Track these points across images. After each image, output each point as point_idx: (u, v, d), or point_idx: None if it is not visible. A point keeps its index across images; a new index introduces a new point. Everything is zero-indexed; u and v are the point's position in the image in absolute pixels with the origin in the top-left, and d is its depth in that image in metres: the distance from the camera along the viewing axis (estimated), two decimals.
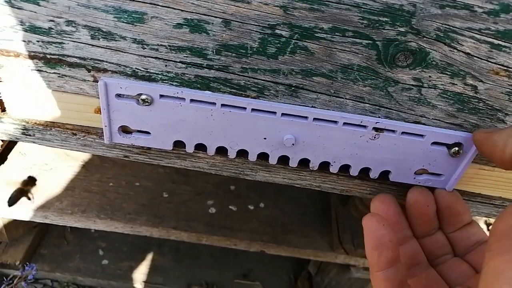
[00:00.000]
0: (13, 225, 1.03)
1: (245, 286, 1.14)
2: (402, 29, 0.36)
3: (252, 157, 0.47)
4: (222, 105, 0.42)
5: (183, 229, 0.81)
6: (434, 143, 0.45)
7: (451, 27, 0.36)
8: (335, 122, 0.43)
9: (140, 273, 1.13)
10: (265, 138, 0.45)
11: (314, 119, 0.43)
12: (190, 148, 0.46)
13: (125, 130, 0.45)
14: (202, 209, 0.86)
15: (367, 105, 0.43)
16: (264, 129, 0.44)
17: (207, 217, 0.85)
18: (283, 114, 0.42)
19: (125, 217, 0.81)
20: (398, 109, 0.43)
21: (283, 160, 0.48)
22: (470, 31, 0.36)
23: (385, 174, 0.49)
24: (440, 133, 0.44)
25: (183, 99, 0.41)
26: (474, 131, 0.43)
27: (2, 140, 0.83)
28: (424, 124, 0.44)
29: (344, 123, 0.43)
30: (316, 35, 0.37)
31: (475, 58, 0.38)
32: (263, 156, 0.48)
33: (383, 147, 0.45)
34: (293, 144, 0.45)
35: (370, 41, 0.38)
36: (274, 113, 0.42)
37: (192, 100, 0.41)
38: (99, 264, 1.12)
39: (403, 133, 0.44)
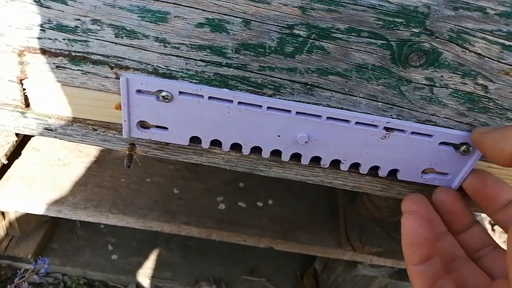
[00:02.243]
0: (25, 219, 1.04)
1: (252, 282, 1.16)
2: (416, 30, 0.38)
3: (266, 154, 0.49)
4: (239, 102, 0.43)
5: (194, 225, 0.82)
6: (442, 143, 0.46)
7: (463, 28, 0.37)
8: (348, 121, 0.44)
9: (149, 268, 1.15)
10: (278, 136, 0.46)
11: (328, 118, 0.44)
12: (205, 144, 0.48)
13: (143, 125, 0.47)
14: (212, 205, 0.87)
15: (380, 103, 0.44)
16: (279, 126, 0.45)
17: (217, 213, 0.86)
18: (297, 113, 0.44)
19: (137, 212, 0.82)
20: (410, 107, 0.44)
21: (296, 157, 0.50)
22: (482, 32, 0.37)
23: (393, 172, 0.50)
24: (448, 133, 0.45)
25: (202, 96, 0.42)
26: (472, 131, 0.44)
27: (17, 135, 0.85)
28: (435, 122, 0.45)
29: (356, 122, 0.45)
30: (333, 35, 0.39)
31: (486, 58, 0.39)
32: (276, 153, 0.49)
33: (392, 146, 0.47)
34: (306, 142, 0.46)
35: (384, 41, 0.39)
36: (289, 111, 0.44)
37: (210, 97, 0.43)
38: (108, 259, 1.14)
39: (412, 133, 0.45)
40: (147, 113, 0.45)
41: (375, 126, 0.45)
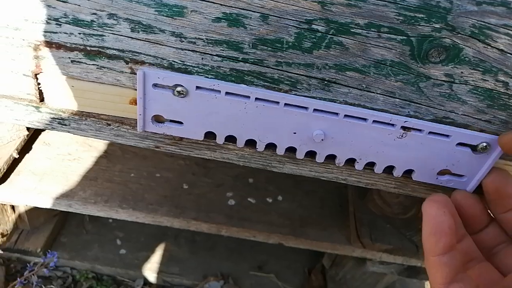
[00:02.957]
0: (35, 213, 1.05)
1: (260, 278, 1.16)
2: (437, 26, 0.37)
3: (280, 151, 0.48)
4: (256, 98, 0.42)
5: (203, 220, 0.82)
6: (460, 143, 0.45)
7: (486, 24, 0.36)
8: (365, 119, 0.44)
9: (157, 263, 1.15)
10: (294, 133, 0.46)
11: (345, 115, 0.44)
12: (220, 140, 0.48)
13: (158, 119, 0.47)
14: (221, 201, 0.87)
15: (397, 100, 0.43)
16: (295, 123, 0.45)
17: (226, 208, 0.86)
18: (315, 110, 0.43)
19: (146, 207, 0.82)
20: (428, 104, 0.43)
21: (310, 155, 0.49)
22: (505, 28, 0.37)
23: (408, 173, 0.50)
24: (466, 134, 0.44)
25: (219, 91, 0.42)
26: (500, 134, 0.44)
27: (28, 130, 0.85)
28: (452, 119, 0.44)
29: (374, 121, 0.44)
30: (352, 30, 0.38)
31: (508, 55, 0.38)
32: (290, 150, 0.49)
33: (409, 146, 0.46)
34: (322, 140, 0.45)
35: (404, 37, 0.38)
36: (306, 108, 0.43)
37: (227, 93, 0.42)
38: (117, 254, 1.14)
39: (430, 132, 0.45)
40: (162, 107, 0.45)
41: (393, 125, 0.44)
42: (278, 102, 0.43)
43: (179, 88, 0.42)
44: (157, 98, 0.43)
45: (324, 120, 0.44)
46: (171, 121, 0.46)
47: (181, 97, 0.43)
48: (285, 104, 0.43)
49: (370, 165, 0.49)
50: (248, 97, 0.42)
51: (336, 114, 0.43)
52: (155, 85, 0.42)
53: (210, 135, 0.48)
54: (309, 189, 0.94)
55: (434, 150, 0.46)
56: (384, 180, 0.52)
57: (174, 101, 0.43)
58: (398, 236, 0.84)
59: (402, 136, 0.45)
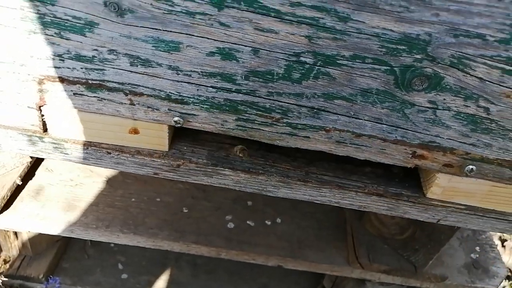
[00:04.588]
0: (37, 239, 1.06)
1: None
2: (418, 56, 0.39)
3: None
4: None
5: (203, 244, 0.83)
6: None
7: (464, 54, 0.39)
8: None
9: (158, 287, 1.16)
10: None
11: None
12: None
13: None
14: (221, 224, 0.88)
15: (385, 125, 0.45)
16: None
17: (226, 231, 0.87)
18: None
19: (147, 231, 0.84)
20: (414, 129, 0.45)
21: (304, 178, 0.51)
22: (482, 57, 0.39)
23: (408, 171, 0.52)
24: None
25: None
26: None
27: (31, 157, 0.87)
28: (439, 143, 0.46)
29: None
30: (338, 61, 0.40)
31: (487, 82, 0.41)
32: (284, 175, 0.50)
33: None
34: None
35: (388, 67, 0.40)
36: None
37: None
38: (119, 278, 1.14)
39: None
40: None
41: None
42: None
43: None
44: None
45: None
46: None
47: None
48: None
49: (363, 188, 0.51)
50: None
51: None
52: None
53: (213, 160, 0.50)
54: (306, 211, 0.95)
55: None
56: (375, 202, 0.54)
57: None
58: (395, 256, 0.85)
59: None
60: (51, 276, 1.04)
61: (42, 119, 0.47)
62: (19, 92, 0.45)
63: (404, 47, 0.39)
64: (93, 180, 0.92)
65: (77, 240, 1.19)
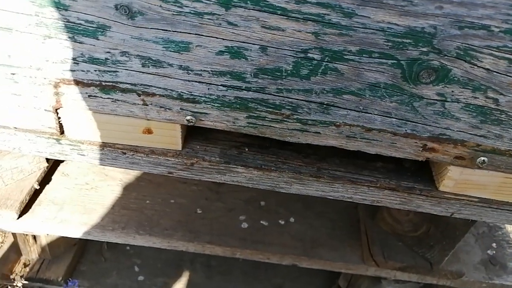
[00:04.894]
0: (56, 243, 1.08)
1: None
2: (424, 49, 0.40)
3: None
4: None
5: (217, 244, 0.84)
6: None
7: (470, 46, 0.39)
8: None
9: None
10: None
11: None
12: None
13: None
14: (235, 224, 0.89)
15: (394, 119, 0.46)
16: None
17: (240, 232, 0.88)
18: None
19: (162, 233, 0.85)
20: (423, 122, 0.46)
21: (316, 174, 0.52)
22: (488, 48, 0.39)
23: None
24: None
25: None
26: None
27: (47, 162, 0.89)
28: (449, 136, 0.46)
29: None
30: (345, 57, 0.41)
31: (494, 73, 0.41)
32: (297, 171, 0.51)
33: None
34: None
35: (395, 61, 0.41)
36: None
37: None
38: (135, 280, 1.16)
39: None
40: None
41: None
42: None
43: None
44: None
45: None
46: None
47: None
48: None
49: (375, 182, 0.51)
50: None
51: None
52: None
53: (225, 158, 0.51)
54: (319, 211, 0.96)
55: None
56: (388, 197, 0.54)
57: None
58: (410, 253, 0.85)
59: None
60: (70, 279, 1.06)
61: (59, 122, 0.49)
62: (36, 96, 0.46)
63: (409, 41, 0.39)
64: (108, 183, 0.93)
65: (93, 244, 1.21)
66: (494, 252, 0.94)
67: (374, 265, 0.84)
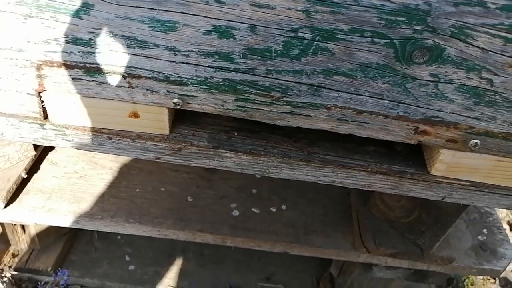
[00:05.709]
0: (45, 232, 1.07)
1: None
2: (418, 28, 0.39)
3: None
4: None
5: (209, 232, 0.83)
6: None
7: (465, 24, 0.38)
8: None
9: (166, 278, 1.16)
10: None
11: None
12: None
13: None
14: (226, 212, 0.88)
15: (386, 101, 0.45)
16: None
17: (231, 219, 0.87)
18: None
19: (152, 221, 0.84)
20: (416, 104, 0.45)
21: (306, 158, 0.51)
22: (484, 26, 0.38)
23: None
24: None
25: None
26: None
27: (35, 150, 0.87)
28: (442, 118, 0.46)
29: None
30: (337, 36, 0.40)
31: (489, 52, 0.40)
32: (287, 155, 0.50)
33: None
34: None
35: (387, 40, 0.40)
36: None
37: None
38: (126, 270, 1.15)
39: None
40: None
41: None
42: None
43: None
44: None
45: None
46: None
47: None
48: None
49: (366, 166, 0.51)
50: None
51: None
52: None
53: (214, 143, 0.49)
54: (312, 197, 0.95)
55: None
56: (379, 181, 0.53)
57: None
58: (402, 240, 0.85)
59: None
60: (59, 268, 1.05)
61: (42, 106, 0.47)
62: (18, 79, 0.45)
63: (403, 19, 0.38)
64: (98, 172, 0.92)
65: (84, 233, 1.20)
66: (485, 238, 0.94)
67: (365, 251, 0.83)
